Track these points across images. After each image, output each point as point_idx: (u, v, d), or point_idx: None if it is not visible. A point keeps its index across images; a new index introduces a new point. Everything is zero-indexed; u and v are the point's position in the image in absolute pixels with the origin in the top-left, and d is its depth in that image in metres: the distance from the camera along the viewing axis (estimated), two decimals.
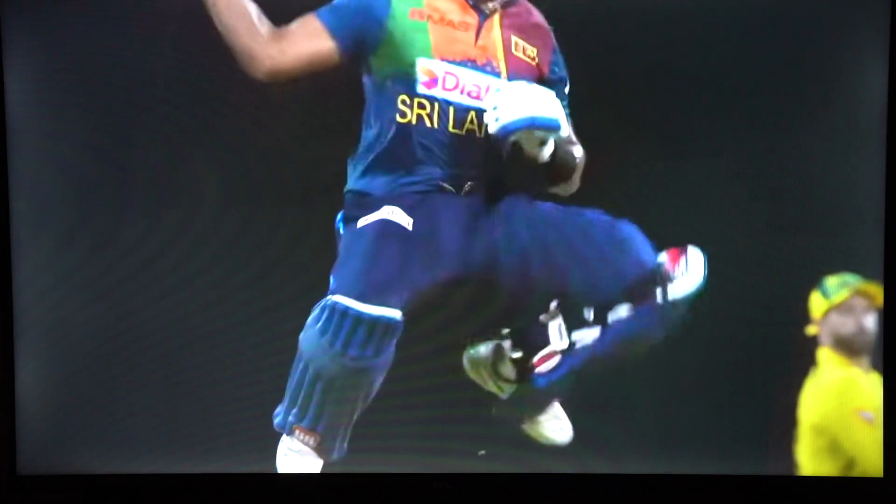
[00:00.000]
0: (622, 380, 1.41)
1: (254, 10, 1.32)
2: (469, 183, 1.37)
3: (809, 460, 1.42)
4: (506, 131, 1.32)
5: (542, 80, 1.38)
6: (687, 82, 1.40)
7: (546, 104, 1.32)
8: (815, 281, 1.40)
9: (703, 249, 1.40)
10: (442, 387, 1.42)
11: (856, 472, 1.42)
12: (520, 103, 1.31)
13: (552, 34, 1.38)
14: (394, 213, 1.35)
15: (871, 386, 1.41)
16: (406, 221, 1.35)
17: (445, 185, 1.37)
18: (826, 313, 1.40)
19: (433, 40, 1.34)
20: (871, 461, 1.42)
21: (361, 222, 1.37)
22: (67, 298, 1.43)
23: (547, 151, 1.35)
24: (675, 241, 1.39)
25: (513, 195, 1.39)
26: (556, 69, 1.39)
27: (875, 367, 1.41)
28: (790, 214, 1.41)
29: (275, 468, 1.42)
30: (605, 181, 1.39)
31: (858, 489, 1.43)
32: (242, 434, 1.44)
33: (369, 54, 1.34)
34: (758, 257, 1.41)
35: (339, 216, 1.39)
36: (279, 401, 1.40)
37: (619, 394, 1.43)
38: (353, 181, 1.38)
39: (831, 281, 1.40)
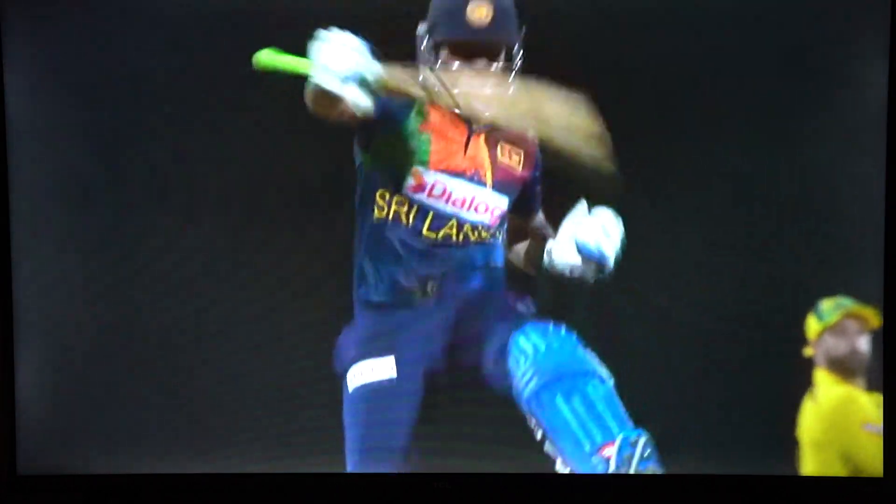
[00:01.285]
0: (622, 392, 1.41)
1: None
2: (431, 283, 1.37)
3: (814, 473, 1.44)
4: (566, 267, 1.34)
5: (524, 183, 1.38)
6: (685, 83, 1.40)
7: (613, 245, 1.33)
8: (812, 303, 1.42)
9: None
10: (442, 387, 1.42)
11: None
12: (595, 239, 1.32)
13: (535, 142, 1.37)
14: (374, 370, 1.36)
15: (870, 401, 1.43)
16: (388, 370, 1.36)
17: (410, 288, 1.36)
18: (820, 335, 1.43)
19: (432, 151, 1.34)
20: (876, 468, 1.43)
21: (351, 383, 1.36)
22: (67, 298, 1.43)
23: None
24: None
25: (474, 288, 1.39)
26: (537, 173, 1.39)
27: (868, 386, 1.43)
28: (790, 236, 1.42)
29: (274, 468, 1.42)
30: (599, 192, 1.39)
31: (858, 489, 1.44)
32: (242, 434, 1.44)
33: (381, 134, 1.32)
34: (758, 278, 1.43)
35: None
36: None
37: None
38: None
39: (826, 304, 1.42)
